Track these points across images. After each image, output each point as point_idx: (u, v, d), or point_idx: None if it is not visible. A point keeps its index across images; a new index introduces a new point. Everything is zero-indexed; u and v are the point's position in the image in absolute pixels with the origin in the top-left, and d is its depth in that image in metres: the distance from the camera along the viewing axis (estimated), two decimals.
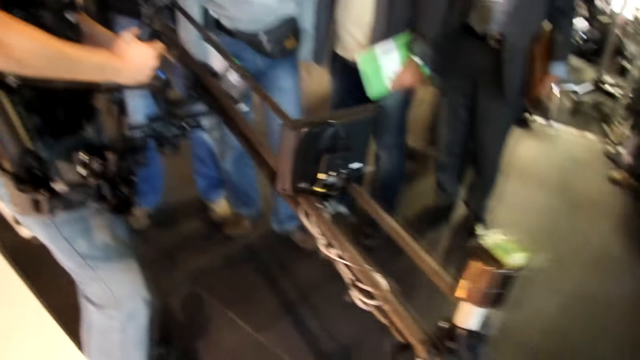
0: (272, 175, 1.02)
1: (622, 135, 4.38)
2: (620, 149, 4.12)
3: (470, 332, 0.72)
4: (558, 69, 2.62)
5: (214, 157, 2.95)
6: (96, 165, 1.21)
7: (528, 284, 2.72)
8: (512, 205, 3.55)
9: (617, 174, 3.89)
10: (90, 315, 1.64)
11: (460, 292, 0.69)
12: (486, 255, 0.66)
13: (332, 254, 0.90)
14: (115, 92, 1.37)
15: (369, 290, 0.85)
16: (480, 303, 0.68)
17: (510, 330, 2.48)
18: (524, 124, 4.61)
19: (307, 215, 0.93)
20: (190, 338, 2.33)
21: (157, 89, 1.39)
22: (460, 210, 3.31)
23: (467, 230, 3.15)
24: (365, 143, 2.60)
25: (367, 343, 2.33)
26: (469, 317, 0.70)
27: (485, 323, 0.71)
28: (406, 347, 0.77)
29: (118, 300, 1.58)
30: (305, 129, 0.83)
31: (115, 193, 1.28)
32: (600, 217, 3.51)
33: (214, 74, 1.45)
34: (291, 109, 2.47)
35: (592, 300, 2.74)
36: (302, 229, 2.88)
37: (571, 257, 3.05)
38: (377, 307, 0.84)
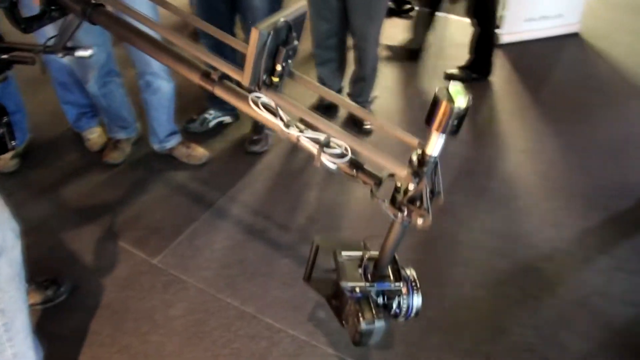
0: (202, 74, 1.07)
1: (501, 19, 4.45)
2: None
3: (434, 158, 0.94)
4: None
5: (78, 82, 2.71)
6: None
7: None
8: (397, 94, 3.57)
9: None
10: None
11: (432, 125, 0.90)
12: (449, 96, 0.88)
13: (294, 132, 1.02)
14: None
15: (341, 151, 1.01)
16: (444, 131, 0.90)
17: None
18: (403, 13, 4.58)
19: (275, 104, 1.03)
20: (82, 275, 2.21)
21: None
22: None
23: (355, 124, 3.13)
24: None
25: (263, 249, 2.34)
26: (436, 144, 0.93)
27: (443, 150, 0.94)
28: (380, 181, 1.00)
29: None
30: (271, 29, 0.93)
31: None
32: (489, 95, 3.62)
33: None
34: (148, 10, 2.25)
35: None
36: (184, 144, 2.78)
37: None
38: (349, 161, 1.01)
